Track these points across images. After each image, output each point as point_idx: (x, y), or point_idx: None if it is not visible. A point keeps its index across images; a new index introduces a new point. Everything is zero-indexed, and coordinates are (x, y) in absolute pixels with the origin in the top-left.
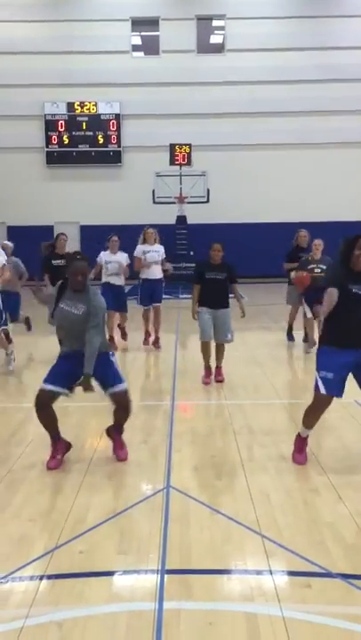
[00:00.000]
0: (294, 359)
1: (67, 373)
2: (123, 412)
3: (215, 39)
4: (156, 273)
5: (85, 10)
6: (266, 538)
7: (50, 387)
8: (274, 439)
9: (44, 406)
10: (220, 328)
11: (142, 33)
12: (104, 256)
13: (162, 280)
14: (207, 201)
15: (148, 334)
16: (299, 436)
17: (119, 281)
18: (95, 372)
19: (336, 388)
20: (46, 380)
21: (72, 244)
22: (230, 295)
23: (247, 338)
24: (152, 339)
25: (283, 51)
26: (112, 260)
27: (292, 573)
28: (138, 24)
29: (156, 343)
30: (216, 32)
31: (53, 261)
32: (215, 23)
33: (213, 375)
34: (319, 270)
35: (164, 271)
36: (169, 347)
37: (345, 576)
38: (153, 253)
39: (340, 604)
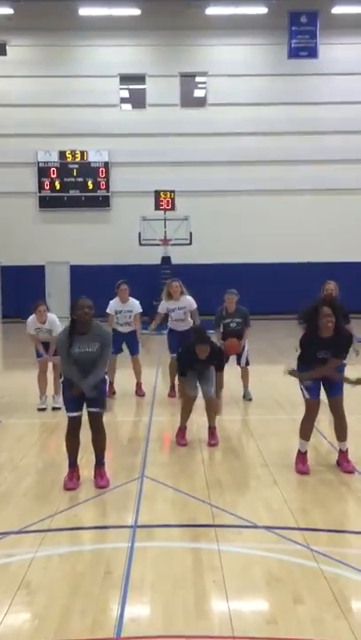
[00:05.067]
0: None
1: (80, 397)
2: (97, 438)
3: (198, 94)
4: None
5: (77, 66)
6: (213, 506)
7: (74, 413)
8: (233, 445)
9: (74, 431)
10: (206, 381)
11: (130, 87)
12: (114, 305)
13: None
14: (190, 243)
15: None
16: (299, 451)
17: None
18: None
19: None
20: (69, 409)
21: (62, 283)
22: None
23: None
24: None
25: (260, 105)
26: (123, 310)
27: (228, 526)
28: (126, 80)
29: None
30: (199, 87)
31: None
32: (198, 79)
33: (208, 440)
34: (235, 324)
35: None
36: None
37: (267, 527)
38: (178, 311)
39: (260, 543)
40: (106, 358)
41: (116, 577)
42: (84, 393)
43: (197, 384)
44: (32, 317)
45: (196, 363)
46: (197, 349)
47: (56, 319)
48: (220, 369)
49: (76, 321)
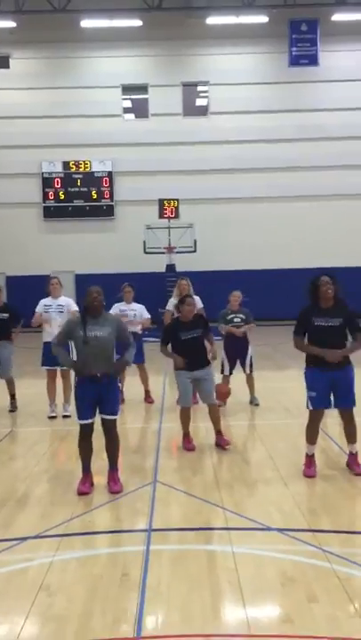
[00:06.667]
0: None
1: (93, 403)
2: (111, 443)
3: (200, 102)
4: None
5: (80, 78)
6: (226, 509)
7: (87, 421)
8: (242, 449)
9: (86, 437)
10: (204, 388)
11: (132, 97)
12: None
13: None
14: (194, 250)
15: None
16: (306, 455)
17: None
18: (102, 394)
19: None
20: (81, 417)
21: (68, 292)
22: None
23: None
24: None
25: (262, 113)
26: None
27: (242, 529)
28: (128, 90)
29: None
30: (200, 96)
31: None
32: (199, 88)
33: (215, 441)
34: (239, 320)
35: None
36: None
37: (279, 529)
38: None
39: (273, 544)
40: (130, 340)
41: (133, 579)
42: (95, 397)
43: (191, 394)
44: (46, 299)
45: (182, 332)
46: (184, 307)
47: (71, 299)
48: (208, 333)
49: (87, 307)
